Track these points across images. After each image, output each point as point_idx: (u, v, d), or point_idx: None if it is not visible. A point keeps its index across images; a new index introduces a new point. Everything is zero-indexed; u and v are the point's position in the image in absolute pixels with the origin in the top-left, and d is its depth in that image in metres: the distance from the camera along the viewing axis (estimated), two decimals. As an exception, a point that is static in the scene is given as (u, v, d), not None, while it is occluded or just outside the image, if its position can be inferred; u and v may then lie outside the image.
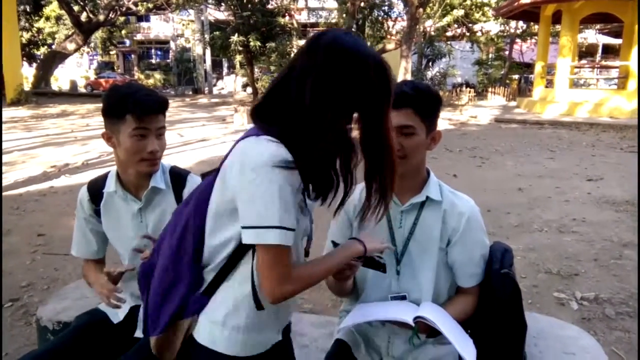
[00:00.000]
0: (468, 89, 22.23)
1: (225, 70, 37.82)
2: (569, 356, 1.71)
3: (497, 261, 1.57)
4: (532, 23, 24.89)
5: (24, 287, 3.46)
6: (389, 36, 26.56)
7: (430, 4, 20.93)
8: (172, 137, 10.64)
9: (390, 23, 27.00)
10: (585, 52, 30.52)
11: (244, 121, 12.72)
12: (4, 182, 6.20)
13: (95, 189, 1.72)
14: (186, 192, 1.67)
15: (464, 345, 1.39)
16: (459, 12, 24.98)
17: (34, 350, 1.67)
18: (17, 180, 6.35)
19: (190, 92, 30.26)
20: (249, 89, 25.19)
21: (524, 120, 13.61)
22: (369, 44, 15.62)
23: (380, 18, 26.37)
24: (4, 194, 5.72)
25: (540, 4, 14.66)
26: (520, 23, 27.26)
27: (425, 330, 1.43)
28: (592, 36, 29.29)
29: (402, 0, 17.56)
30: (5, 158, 7.80)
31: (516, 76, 25.80)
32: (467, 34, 27.22)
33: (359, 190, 1.63)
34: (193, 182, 1.69)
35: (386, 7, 25.61)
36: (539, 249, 4.14)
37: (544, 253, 4.06)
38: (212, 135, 10.97)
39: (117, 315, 1.75)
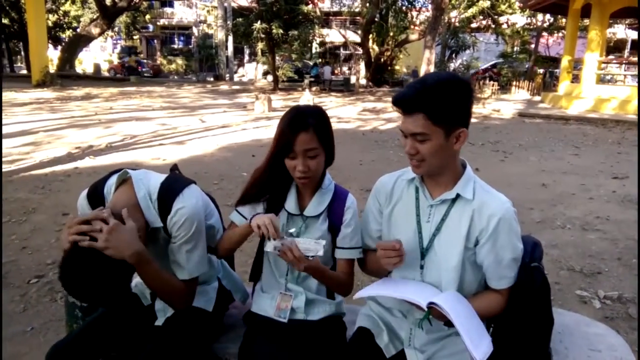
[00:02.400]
0: (491, 82, 21.86)
1: (246, 58, 37.82)
2: (595, 353, 1.69)
3: (527, 254, 1.54)
4: (559, 16, 24.36)
5: (50, 264, 3.53)
6: (412, 26, 26.28)
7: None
8: (193, 122, 10.73)
9: (414, 13, 26.69)
10: (614, 48, 29.79)
11: (265, 109, 12.74)
12: (30, 162, 6.34)
13: (95, 195, 1.65)
14: (173, 222, 1.56)
15: (477, 340, 1.35)
16: (485, 4, 24.54)
17: (72, 332, 1.71)
18: (42, 160, 6.47)
19: (212, 79, 30.37)
20: (270, 77, 25.16)
21: (549, 116, 13.36)
22: (392, 34, 15.68)
23: (404, 8, 26.08)
24: (30, 173, 5.85)
25: (569, -4, 14.32)
26: (548, 16, 26.69)
27: (442, 317, 1.40)
28: (622, 31, 28.54)
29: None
30: (31, 138, 7.97)
31: (541, 70, 25.29)
32: (493, 25, 26.75)
33: (393, 178, 1.64)
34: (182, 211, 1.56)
35: (411, -4, 25.31)
36: (562, 246, 4.08)
37: (567, 250, 4.00)
38: (233, 121, 11.01)
39: (147, 298, 1.79)
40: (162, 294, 1.61)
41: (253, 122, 11.07)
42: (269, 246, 1.50)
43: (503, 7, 26.54)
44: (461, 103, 1.40)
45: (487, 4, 24.80)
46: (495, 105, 15.43)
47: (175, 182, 1.63)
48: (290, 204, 1.68)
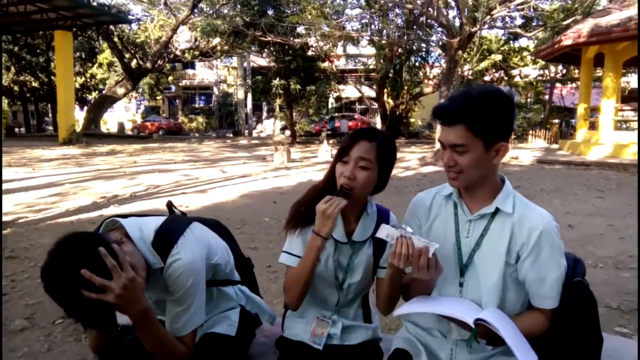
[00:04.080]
0: (507, 131, 21.94)
1: (264, 114, 38.88)
2: (648, 375, 1.59)
3: (569, 270, 1.49)
4: (572, 67, 24.71)
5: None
6: (426, 80, 26.89)
7: (468, 49, 21.13)
8: (215, 172, 10.91)
9: (427, 68, 27.39)
10: (628, 97, 29.90)
11: (284, 159, 12.92)
12: (57, 211, 6.46)
13: None
14: (168, 274, 1.46)
15: (527, 357, 1.30)
16: (497, 57, 25.12)
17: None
18: (68, 209, 6.59)
19: (231, 135, 31.13)
20: (288, 132, 25.68)
21: (568, 162, 13.27)
22: (406, 88, 16.15)
23: (417, 64, 26.81)
24: (56, 221, 5.95)
25: (581, 45, 14.53)
26: (560, 67, 27.11)
27: (485, 336, 1.36)
28: (636, 80, 28.72)
29: (440, 47, 17.86)
30: (57, 189, 8.16)
31: (556, 120, 25.40)
32: (506, 78, 27.23)
33: (431, 195, 1.62)
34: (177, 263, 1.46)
35: (423, 53, 26.06)
36: (596, 284, 3.93)
37: (601, 288, 3.85)
38: (253, 171, 11.17)
39: None
40: (155, 351, 1.46)
41: (272, 171, 11.21)
42: (382, 231, 1.40)
43: (515, 59, 27.13)
44: (503, 116, 1.39)
45: (499, 57, 25.38)
46: (513, 153, 15.41)
47: (172, 225, 1.55)
48: (338, 231, 1.64)
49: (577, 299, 1.45)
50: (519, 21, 21.78)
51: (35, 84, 31.99)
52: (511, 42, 26.45)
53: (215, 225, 1.91)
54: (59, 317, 3.31)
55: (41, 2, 18.11)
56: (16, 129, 31.39)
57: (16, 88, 31.93)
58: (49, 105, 36.95)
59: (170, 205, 1.79)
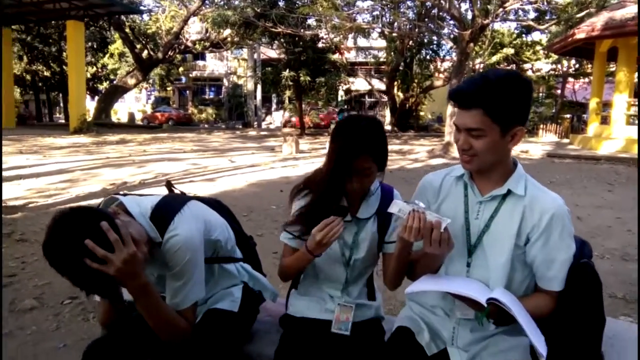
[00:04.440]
0: (518, 126, 21.79)
1: (273, 106, 38.90)
2: (650, 357, 1.59)
3: (576, 252, 1.49)
4: (585, 62, 24.43)
5: (83, 287, 3.57)
6: (436, 74, 26.73)
7: (480, 42, 20.95)
8: (223, 162, 10.96)
9: (438, 62, 27.22)
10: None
11: (292, 150, 12.94)
12: (67, 197, 6.54)
13: None
14: (166, 249, 1.48)
15: (537, 336, 1.32)
16: (509, 51, 24.89)
17: (109, 332, 1.66)
18: (78, 195, 6.67)
19: (240, 126, 31.20)
20: (289, 129, 25.69)
21: (579, 156, 13.17)
22: (416, 81, 16.05)
23: (428, 57, 26.65)
24: (66, 205, 6.02)
25: (594, 39, 14.35)
26: (573, 61, 26.82)
27: (493, 316, 1.36)
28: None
29: (452, 39, 17.73)
30: (67, 176, 8.24)
31: (568, 115, 25.16)
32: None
33: (441, 175, 1.62)
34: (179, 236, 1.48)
35: (434, 46, 25.89)
36: (602, 275, 3.81)
37: (608, 279, 3.84)
38: (261, 161, 11.23)
39: None
40: (157, 327, 1.48)
41: (281, 162, 11.25)
42: (394, 207, 1.40)
43: (528, 53, 26.86)
44: (521, 101, 1.36)
45: (511, 51, 25.15)
46: (523, 147, 15.30)
47: (169, 202, 1.57)
48: None
49: (583, 280, 1.45)
50: (532, 14, 21.56)
51: (47, 74, 32.27)
52: (524, 35, 26.19)
53: (216, 203, 1.92)
54: (67, 297, 3.37)
55: (53, -8, 18.24)
56: (28, 118, 31.67)
57: (28, 77, 32.22)
58: (60, 95, 37.29)
59: (169, 184, 1.80)
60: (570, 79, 28.66)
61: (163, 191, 1.77)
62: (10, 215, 5.41)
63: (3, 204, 5.89)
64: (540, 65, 29.00)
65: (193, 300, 1.55)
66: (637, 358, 1.54)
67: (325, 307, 1.73)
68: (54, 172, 8.64)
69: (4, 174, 8.05)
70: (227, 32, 23.81)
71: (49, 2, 19.14)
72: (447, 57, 27.18)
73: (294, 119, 28.31)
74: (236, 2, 22.21)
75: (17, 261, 4.05)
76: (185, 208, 1.56)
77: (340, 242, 1.68)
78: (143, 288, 1.39)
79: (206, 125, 33.53)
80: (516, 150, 14.63)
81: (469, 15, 16.12)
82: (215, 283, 1.76)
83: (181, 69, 38.82)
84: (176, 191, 1.81)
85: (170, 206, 1.55)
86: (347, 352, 1.60)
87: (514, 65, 26.11)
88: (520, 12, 20.81)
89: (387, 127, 26.48)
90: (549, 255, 1.42)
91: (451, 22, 16.96)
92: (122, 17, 25.68)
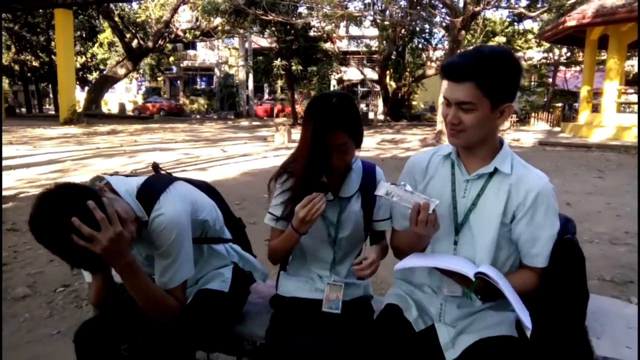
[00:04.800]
0: (510, 114, 21.91)
1: (266, 96, 38.75)
2: (633, 330, 1.63)
3: (561, 227, 1.51)
4: (576, 50, 24.51)
5: (75, 275, 3.58)
6: (429, 63, 26.70)
7: (472, 30, 20.94)
8: (215, 152, 10.94)
9: (430, 50, 27.19)
10: (633, 81, 29.69)
11: (284, 140, 12.93)
12: (58, 186, 6.51)
13: None
14: (152, 229, 1.50)
15: (523, 311, 1.34)
16: (500, 39, 24.92)
17: (100, 313, 1.68)
18: (69, 185, 6.64)
19: (232, 116, 31.06)
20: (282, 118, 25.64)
21: (570, 144, 13.26)
22: (409, 70, 16.03)
23: (420, 45, 26.61)
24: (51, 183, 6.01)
25: (585, 26, 14.39)
26: (564, 50, 26.90)
27: (480, 291, 1.38)
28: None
29: (444, 27, 17.71)
30: (59, 166, 8.21)
31: (560, 104, 25.28)
32: (509, 60, 27.04)
33: (428, 155, 1.63)
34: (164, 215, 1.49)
35: (427, 34, 25.85)
36: (591, 259, 3.98)
37: (597, 262, 3.90)
38: (254, 151, 11.22)
39: None
40: (145, 306, 1.50)
41: (273, 151, 11.25)
42: (382, 189, 1.41)
43: (519, 42, 26.91)
44: (512, 77, 1.38)
45: (503, 39, 25.19)
46: (515, 135, 15.39)
47: (155, 182, 1.58)
48: None
49: (567, 256, 1.47)
50: (523, 2, 21.57)
51: (35, 64, 31.85)
52: (515, 24, 26.20)
53: (204, 185, 1.94)
54: (60, 285, 3.38)
55: (41, -20, 17.97)
56: (17, 109, 31.36)
57: (17, 67, 31.80)
58: (50, 86, 36.87)
59: (155, 166, 1.80)
60: (562, 68, 28.78)
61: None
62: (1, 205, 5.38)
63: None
64: (532, 54, 29.12)
65: (181, 279, 1.56)
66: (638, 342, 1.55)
67: (315, 286, 1.75)
68: (44, 162, 8.60)
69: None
70: (217, 20, 23.60)
71: (36, -10, 18.88)
72: (440, 46, 27.17)
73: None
74: (227, -10, 22.01)
75: (9, 250, 4.05)
76: (171, 187, 1.57)
77: (326, 222, 1.70)
78: (130, 266, 1.40)
79: (198, 116, 33.33)
80: (508, 139, 14.72)
81: (461, 4, 16.08)
82: (205, 263, 1.78)
83: (172, 58, 38.51)
84: (163, 173, 1.81)
85: (156, 186, 1.56)
86: (338, 329, 1.62)
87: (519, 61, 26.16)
88: (512, 0, 20.80)
89: (380, 117, 26.51)
90: (534, 232, 1.45)
91: (443, 9, 16.89)
92: (111, 5, 25.41)
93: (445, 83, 1.44)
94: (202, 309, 1.65)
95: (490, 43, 24.70)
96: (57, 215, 1.26)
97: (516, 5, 20.42)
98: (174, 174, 1.82)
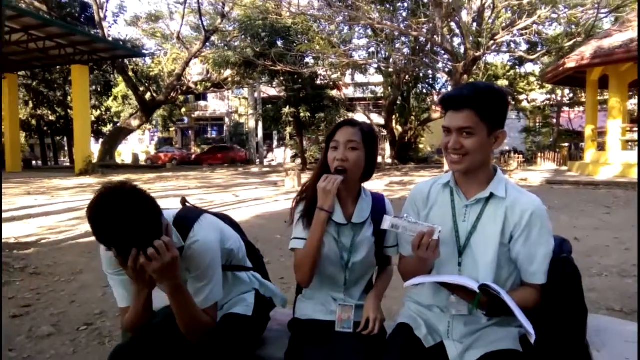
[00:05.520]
0: (516, 155, 22.05)
1: (275, 143, 39.41)
2: (631, 344, 1.72)
3: (556, 247, 1.64)
4: (579, 90, 24.89)
5: (97, 314, 3.71)
6: (433, 107, 27.21)
7: (475, 75, 21.48)
8: (228, 197, 11.15)
9: (435, 95, 27.75)
10: (637, 120, 29.89)
11: (294, 184, 13.14)
12: (77, 233, 6.71)
13: None
14: (188, 255, 1.65)
15: (525, 319, 1.44)
16: (503, 82, 25.41)
17: (133, 337, 1.77)
18: (87, 231, 6.75)
19: (243, 163, 31.53)
20: (298, 160, 25.99)
21: (577, 182, 13.33)
22: (414, 114, 16.35)
23: (424, 90, 27.22)
24: (76, 241, 6.19)
25: (585, 67, 14.73)
26: (567, 91, 27.31)
27: (484, 306, 1.49)
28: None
29: (446, 72, 18.23)
30: (76, 214, 8.41)
31: (566, 144, 25.46)
32: (513, 102, 27.46)
33: (429, 184, 1.78)
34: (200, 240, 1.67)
35: (430, 80, 26.48)
36: (600, 290, 4.04)
37: (605, 293, 3.96)
38: (265, 195, 11.41)
39: None
40: (186, 324, 1.63)
41: (284, 195, 11.42)
42: (386, 223, 1.57)
43: (522, 84, 27.42)
44: (503, 107, 1.60)
45: (506, 82, 25.69)
46: (523, 175, 15.49)
47: (188, 213, 1.76)
48: (338, 215, 1.83)
49: (563, 273, 1.59)
50: (524, 47, 22.16)
51: (52, 118, 32.87)
52: (517, 67, 26.79)
53: (225, 218, 2.11)
54: (82, 324, 3.50)
55: (59, 38, 18.84)
56: (33, 162, 32.13)
57: (34, 122, 32.81)
58: (65, 138, 37.88)
59: (184, 200, 2.00)
60: (566, 108, 29.09)
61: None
62: (24, 251, 5.57)
63: (15, 241, 6.06)
64: (536, 96, 29.53)
65: (214, 299, 1.71)
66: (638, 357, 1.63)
67: (330, 309, 1.86)
68: (62, 210, 8.83)
69: (15, 214, 8.26)
70: (227, 72, 24.42)
71: (54, 48, 19.73)
72: (443, 90, 27.74)
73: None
74: (236, 43, 22.89)
75: (32, 292, 4.18)
76: (202, 218, 1.75)
77: (339, 246, 1.84)
78: (179, 287, 1.56)
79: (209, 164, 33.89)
80: (515, 179, 14.83)
81: (462, 49, 16.63)
82: (229, 290, 1.91)
83: (183, 109, 39.53)
84: (190, 206, 2.00)
85: (190, 216, 1.74)
86: (353, 346, 1.72)
87: (510, 96, 26.61)
88: (512, 45, 21.41)
89: (388, 160, 26.79)
90: (530, 250, 1.58)
91: (445, 55, 17.45)
92: (126, 60, 26.40)
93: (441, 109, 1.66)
94: (228, 331, 1.77)
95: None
96: (131, 224, 1.41)
97: (516, 50, 21.01)
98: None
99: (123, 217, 1.40)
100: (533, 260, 1.58)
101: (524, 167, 20.66)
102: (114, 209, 1.41)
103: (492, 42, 14.09)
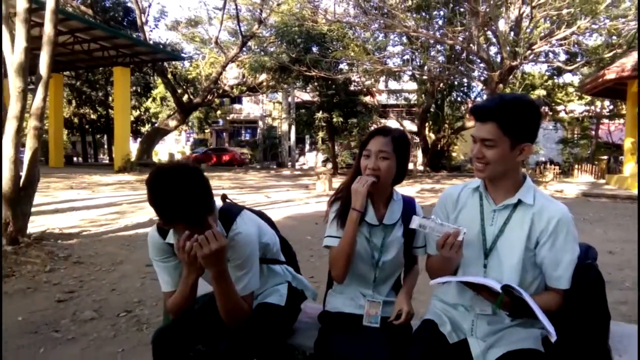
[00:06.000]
0: (552, 166, 21.57)
1: (307, 147, 39.67)
2: (655, 351, 1.75)
3: (581, 254, 1.68)
4: (619, 102, 24.20)
5: (136, 302, 3.91)
6: (467, 115, 26.90)
7: (511, 84, 21.17)
8: (260, 197, 11.36)
9: (469, 103, 27.42)
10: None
11: (326, 187, 13.26)
12: (117, 226, 7.01)
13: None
14: (230, 245, 1.76)
15: (546, 320, 1.48)
16: (540, 92, 24.93)
17: (173, 320, 1.91)
18: (127, 225, 7.13)
19: (274, 166, 31.90)
20: (330, 164, 26.12)
21: (615, 195, 12.99)
22: (448, 122, 16.23)
23: (459, 98, 26.93)
24: (117, 234, 6.47)
25: (625, 79, 14.37)
26: (607, 102, 26.59)
27: (507, 307, 1.56)
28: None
29: (482, 81, 18.05)
30: (116, 208, 8.77)
31: (605, 157, 24.75)
32: (550, 113, 26.89)
33: (459, 188, 1.87)
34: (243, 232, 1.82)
35: (465, 88, 26.20)
36: (632, 303, 4.00)
37: (637, 307, 3.91)
38: (296, 197, 11.58)
39: None
40: (227, 309, 1.76)
41: (314, 198, 11.56)
42: (414, 222, 1.67)
43: (560, 95, 26.83)
44: (530, 121, 1.61)
45: (543, 92, 25.19)
46: (558, 187, 15.19)
47: (230, 208, 1.91)
48: (370, 216, 1.94)
49: (587, 279, 1.63)
50: (562, 57, 21.71)
51: (93, 117, 34.11)
52: (555, 77, 26.24)
53: (262, 215, 2.25)
54: (123, 310, 3.70)
55: (103, 41, 19.61)
56: (74, 158, 33.32)
57: (76, 120, 34.08)
58: (105, 137, 39.16)
59: (224, 197, 2.13)
60: (605, 120, 28.29)
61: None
62: (67, 241, 5.87)
63: (60, 232, 6.38)
64: (574, 107, 28.84)
65: (252, 288, 1.85)
66: (637, 356, 1.68)
67: (359, 303, 1.97)
68: (103, 205, 9.21)
69: (59, 206, 8.66)
70: (263, 76, 24.75)
71: (98, 50, 20.50)
72: (478, 99, 27.39)
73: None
74: (272, 49, 23.23)
75: (75, 280, 4.44)
76: (243, 213, 1.90)
77: (371, 245, 1.95)
78: (224, 274, 1.71)
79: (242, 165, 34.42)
80: (551, 190, 14.56)
81: (499, 58, 16.46)
82: (264, 281, 2.04)
83: (219, 112, 40.21)
84: (230, 202, 2.14)
85: (233, 210, 1.90)
86: (379, 340, 1.81)
87: (547, 106, 26.08)
88: (550, 55, 21.00)
89: (420, 167, 26.62)
90: (556, 256, 1.62)
91: (481, 64, 17.30)
92: (165, 63, 27.09)
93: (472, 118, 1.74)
94: (262, 319, 1.88)
95: (530, 96, 24.74)
96: (189, 200, 1.60)
97: (554, 60, 20.60)
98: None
99: (181, 184, 1.58)
100: (558, 265, 1.62)
101: (560, 178, 20.20)
102: (174, 177, 1.59)
103: (529, 51, 13.90)
